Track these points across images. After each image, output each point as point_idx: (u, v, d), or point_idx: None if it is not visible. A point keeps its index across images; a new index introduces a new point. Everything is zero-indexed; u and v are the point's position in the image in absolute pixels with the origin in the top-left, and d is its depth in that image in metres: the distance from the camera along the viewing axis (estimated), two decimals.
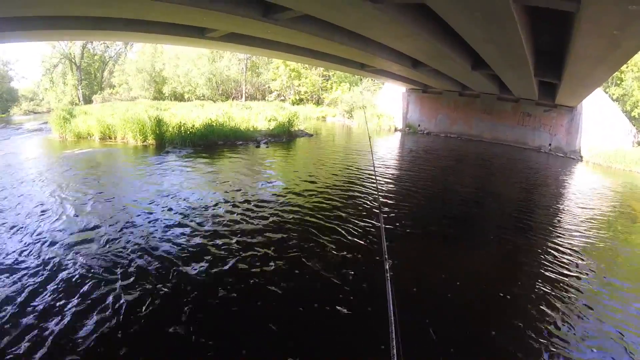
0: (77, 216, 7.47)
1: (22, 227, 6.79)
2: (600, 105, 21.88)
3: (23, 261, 5.51)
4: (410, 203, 9.75)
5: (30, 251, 5.83)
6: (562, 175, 17.09)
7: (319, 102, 43.53)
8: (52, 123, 18.51)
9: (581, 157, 21.75)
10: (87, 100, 43.59)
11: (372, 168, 10.64)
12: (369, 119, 30.93)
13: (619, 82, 25.82)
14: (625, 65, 21.68)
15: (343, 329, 4.35)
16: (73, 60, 46.72)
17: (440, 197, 11.19)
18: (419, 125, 29.13)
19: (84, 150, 14.64)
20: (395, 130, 29.76)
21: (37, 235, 6.46)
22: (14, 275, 5.08)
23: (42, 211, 7.67)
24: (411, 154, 19.80)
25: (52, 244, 6.12)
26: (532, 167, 18.31)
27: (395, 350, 1.92)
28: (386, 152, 19.16)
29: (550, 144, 23.25)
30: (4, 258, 5.59)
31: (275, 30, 11.13)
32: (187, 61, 44.71)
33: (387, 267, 2.77)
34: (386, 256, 2.86)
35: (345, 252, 6.27)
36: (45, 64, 47.55)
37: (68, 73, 47.17)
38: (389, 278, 2.60)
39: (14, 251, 5.82)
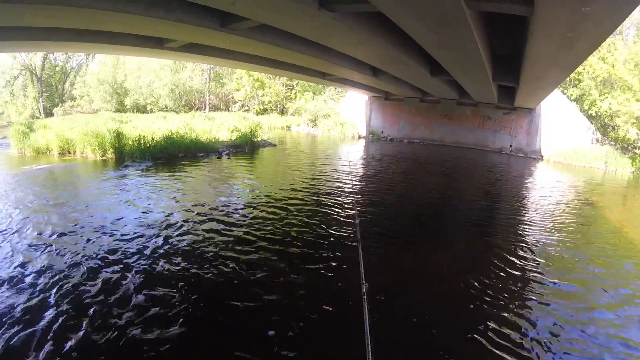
0: (29, 234, 7.18)
1: None
2: (559, 105, 22.84)
3: None
4: (376, 208, 9.79)
5: None
6: (524, 175, 17.73)
7: (283, 112, 43.48)
8: (10, 138, 17.83)
9: (542, 156, 22.68)
10: (48, 114, 42.21)
11: (336, 184, 10.57)
12: (332, 127, 31.20)
13: (577, 82, 26.90)
14: (582, 67, 22.61)
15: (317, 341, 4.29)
16: (34, 72, 45.27)
17: (404, 202, 11.28)
18: (382, 132, 29.55)
19: (42, 166, 14.09)
20: (359, 137, 30.11)
21: None
22: None
23: None
24: (374, 160, 19.97)
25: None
26: (494, 168, 18.87)
27: None
28: (350, 159, 19.25)
29: (511, 145, 24.08)
30: None
31: (234, 40, 11.08)
32: (150, 72, 43.76)
33: (364, 290, 2.79)
34: (363, 281, 2.87)
35: (313, 266, 6.14)
36: (5, 76, 45.93)
37: (29, 85, 45.69)
38: (365, 300, 2.62)
39: None
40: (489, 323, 4.66)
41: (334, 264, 6.18)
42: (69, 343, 4.01)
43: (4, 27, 9.97)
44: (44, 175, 12.49)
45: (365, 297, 2.76)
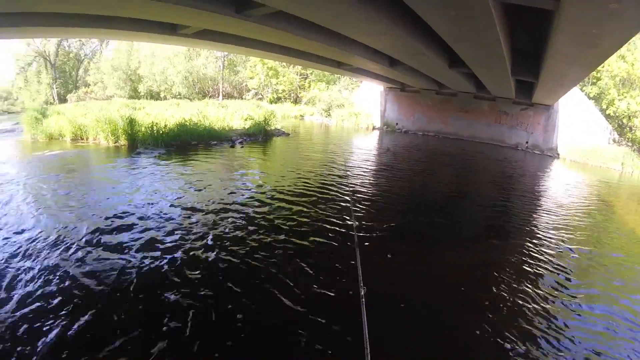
0: (38, 222, 7.12)
1: None
2: (577, 103, 22.29)
3: None
4: (387, 203, 9.56)
5: None
6: (540, 173, 17.35)
7: (297, 101, 43.32)
8: (24, 124, 17.94)
9: (558, 154, 22.18)
10: (62, 100, 42.54)
11: (349, 175, 10.38)
12: (347, 118, 30.88)
13: (595, 81, 26.24)
14: (601, 65, 22.07)
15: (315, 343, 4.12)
16: (48, 59, 45.67)
17: (417, 197, 11.05)
18: (396, 124, 29.19)
19: (54, 152, 14.09)
20: (374, 128, 29.73)
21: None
22: None
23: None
24: (388, 153, 19.67)
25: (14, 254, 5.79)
26: (510, 165, 18.47)
27: None
28: (364, 152, 19.04)
29: (527, 142, 23.60)
30: None
31: (249, 27, 10.90)
32: (163, 59, 43.73)
33: (362, 293, 2.72)
34: (361, 283, 2.80)
35: (315, 261, 5.95)
36: (20, 62, 46.44)
37: (42, 71, 46.10)
38: (364, 303, 2.55)
39: None
40: (500, 333, 4.44)
41: (335, 262, 5.93)
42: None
43: (20, 13, 9.89)
44: (55, 161, 12.44)
45: (363, 299, 2.70)
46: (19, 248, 5.82)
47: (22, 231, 6.52)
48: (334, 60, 18.70)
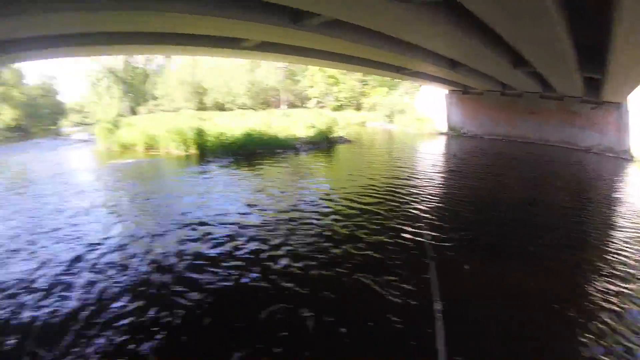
0: (119, 224, 7.77)
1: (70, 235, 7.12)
2: None
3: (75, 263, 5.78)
4: (455, 214, 9.01)
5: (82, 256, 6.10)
6: (617, 177, 15.86)
7: (358, 108, 43.32)
8: (97, 134, 19.40)
9: (632, 157, 20.27)
10: (133, 112, 45.33)
11: (417, 182, 10.14)
12: (409, 123, 30.41)
13: None
14: None
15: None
16: (117, 74, 48.91)
17: (487, 205, 10.44)
18: (461, 128, 28.33)
19: (128, 160, 15.18)
20: (438, 133, 28.98)
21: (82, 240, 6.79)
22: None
23: (87, 219, 8.06)
24: (455, 158, 19.02)
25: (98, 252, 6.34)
26: (584, 169, 17.39)
27: None
28: (429, 158, 18.61)
29: (600, 144, 21.97)
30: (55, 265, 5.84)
31: (306, 37, 11.11)
32: (227, 72, 45.46)
33: (438, 308, 2.57)
34: (437, 298, 2.66)
35: (386, 272, 5.70)
36: (91, 78, 50.03)
37: (113, 86, 49.41)
38: (439, 319, 2.44)
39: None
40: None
41: (407, 274, 5.63)
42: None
43: (86, 33, 10.61)
44: (130, 169, 13.39)
45: (439, 315, 2.53)
46: (106, 256, 6.26)
47: (106, 238, 7.02)
48: (394, 65, 18.53)
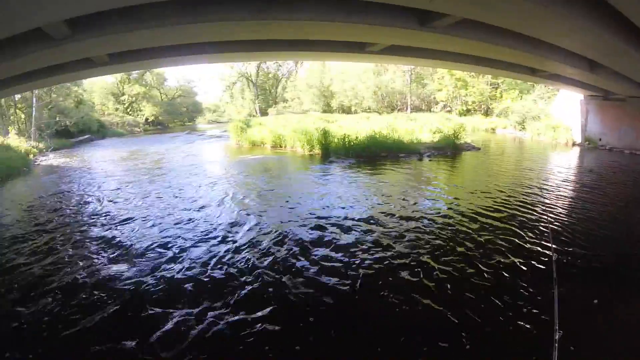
0: (247, 214, 8.70)
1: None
2: None
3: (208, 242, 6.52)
4: (585, 237, 7.71)
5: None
6: None
7: (487, 113, 41.20)
8: (230, 131, 21.51)
9: None
10: (263, 113, 49.35)
11: (547, 198, 9.22)
12: (543, 131, 27.90)
13: None
14: None
15: None
16: (249, 78, 53.46)
17: (622, 232, 8.52)
18: (600, 139, 24.09)
19: (257, 156, 16.60)
20: (573, 144, 25.31)
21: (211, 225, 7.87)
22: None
23: (218, 206, 9.31)
24: (591, 174, 15.62)
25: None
26: None
27: None
28: (562, 171, 16.12)
29: None
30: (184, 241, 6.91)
31: (434, 38, 10.92)
32: (353, 76, 46.66)
33: (557, 337, 2.40)
34: (557, 327, 2.49)
35: (504, 293, 5.31)
36: (225, 82, 55.57)
37: (245, 89, 54.26)
38: (556, 349, 2.30)
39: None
40: None
41: (527, 296, 5.26)
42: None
43: (220, 42, 11.53)
44: (259, 164, 14.70)
45: (556, 344, 2.39)
46: (238, 244, 7.04)
47: (241, 224, 8.06)
48: (527, 66, 17.35)
